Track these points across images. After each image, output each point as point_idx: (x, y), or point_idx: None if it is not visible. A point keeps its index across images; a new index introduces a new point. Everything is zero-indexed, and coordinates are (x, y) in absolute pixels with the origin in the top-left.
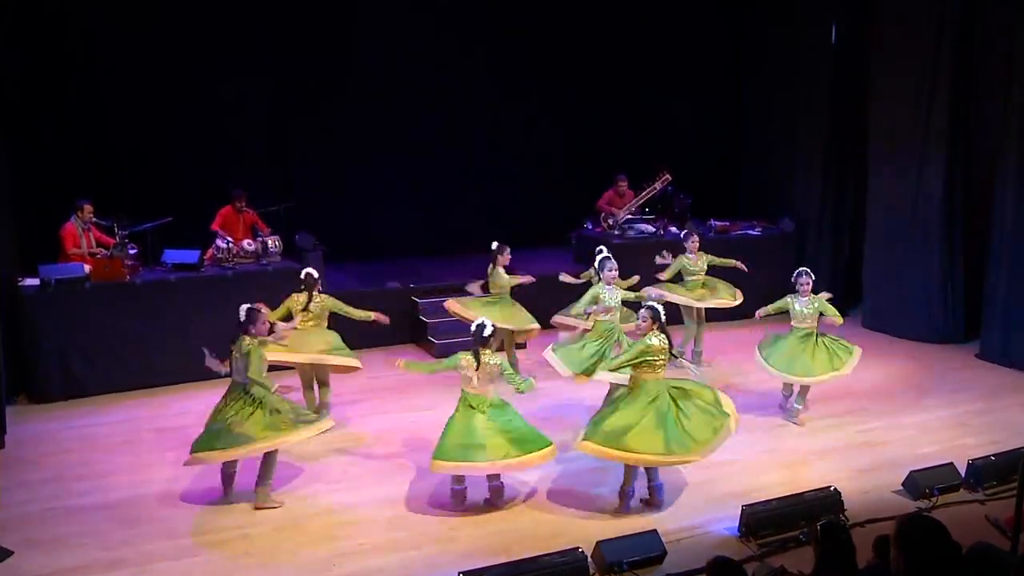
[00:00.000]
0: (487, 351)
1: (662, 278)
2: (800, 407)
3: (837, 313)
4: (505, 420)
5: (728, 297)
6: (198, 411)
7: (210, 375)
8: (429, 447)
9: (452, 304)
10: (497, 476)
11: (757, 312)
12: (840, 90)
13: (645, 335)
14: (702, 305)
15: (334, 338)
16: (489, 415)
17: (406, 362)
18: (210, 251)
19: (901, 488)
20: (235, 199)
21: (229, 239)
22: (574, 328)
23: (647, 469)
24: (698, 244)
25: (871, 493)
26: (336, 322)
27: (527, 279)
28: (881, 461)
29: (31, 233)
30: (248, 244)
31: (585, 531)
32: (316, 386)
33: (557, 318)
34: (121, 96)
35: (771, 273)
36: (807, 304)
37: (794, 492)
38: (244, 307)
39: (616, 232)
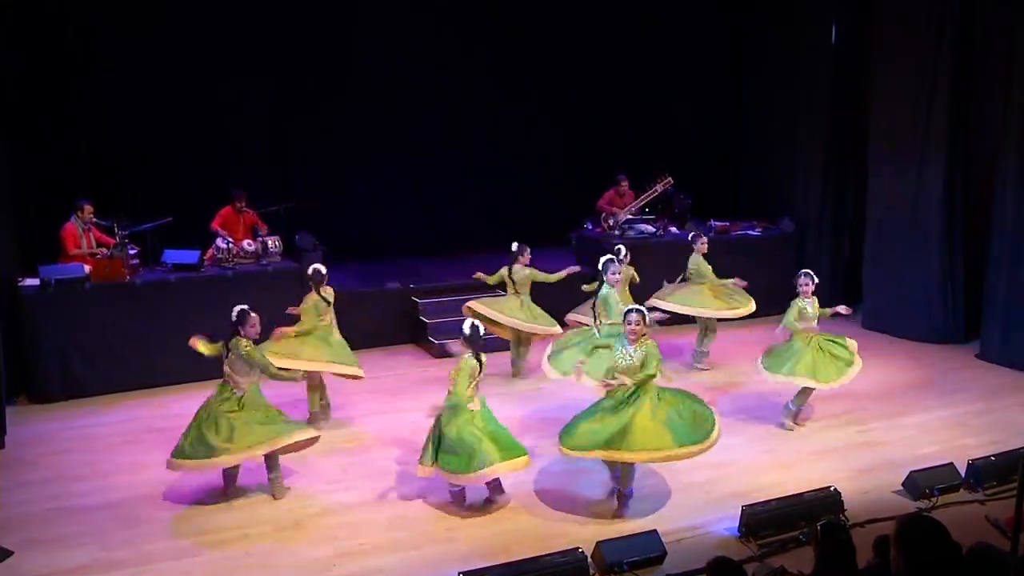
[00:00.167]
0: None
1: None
2: (795, 408)
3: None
4: (495, 423)
5: (740, 305)
6: None
7: (211, 375)
8: None
9: (476, 305)
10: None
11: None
12: (840, 90)
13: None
14: (712, 315)
15: (340, 345)
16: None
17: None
18: (210, 251)
19: (901, 488)
20: (235, 199)
21: (229, 239)
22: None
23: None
24: (707, 246)
25: (871, 493)
26: (340, 324)
27: (572, 270)
28: (881, 461)
29: (31, 233)
30: (248, 244)
31: (585, 531)
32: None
33: (571, 316)
34: (121, 96)
35: (771, 273)
36: (810, 304)
37: (794, 492)
38: (237, 308)
39: (616, 232)
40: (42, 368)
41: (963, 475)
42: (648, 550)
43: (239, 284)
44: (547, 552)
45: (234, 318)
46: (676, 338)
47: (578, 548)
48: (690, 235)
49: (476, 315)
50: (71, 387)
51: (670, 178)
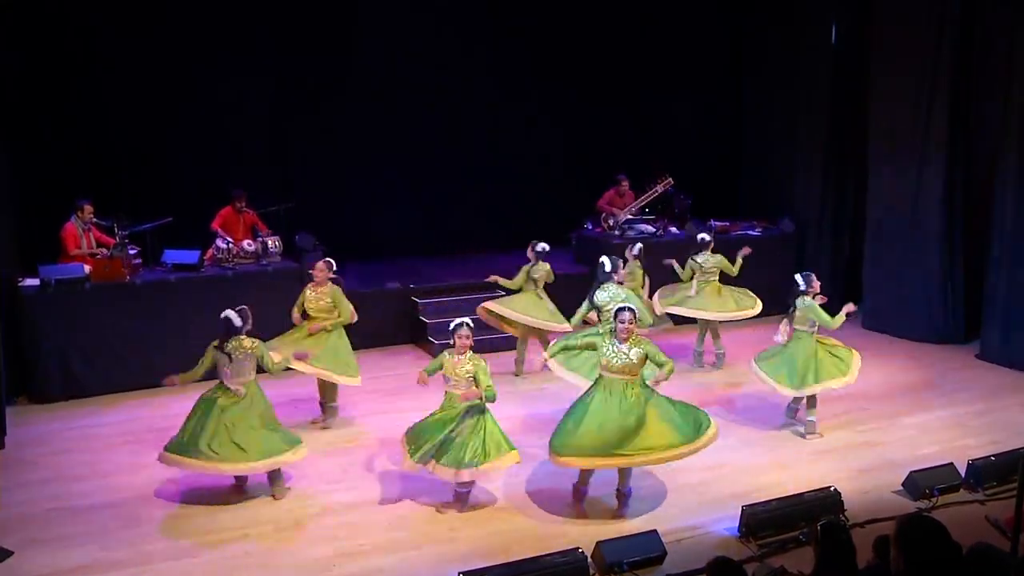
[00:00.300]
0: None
1: (681, 277)
2: (813, 419)
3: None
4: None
5: (746, 307)
6: None
7: (211, 375)
8: None
9: (492, 305)
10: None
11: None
12: (840, 90)
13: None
14: (716, 318)
15: (345, 351)
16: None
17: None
18: (210, 251)
19: (901, 488)
20: (235, 199)
21: (229, 239)
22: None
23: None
24: (712, 245)
25: (871, 493)
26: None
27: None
28: (881, 461)
29: (31, 233)
30: (248, 244)
31: (585, 531)
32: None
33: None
34: (121, 96)
35: (771, 273)
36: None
37: (794, 492)
38: (236, 312)
39: (616, 232)
40: (42, 368)
41: (963, 475)
42: (648, 550)
43: (239, 284)
44: (547, 552)
45: (240, 320)
46: (677, 338)
47: (578, 548)
48: (700, 236)
49: (491, 314)
50: (71, 387)
51: (670, 178)
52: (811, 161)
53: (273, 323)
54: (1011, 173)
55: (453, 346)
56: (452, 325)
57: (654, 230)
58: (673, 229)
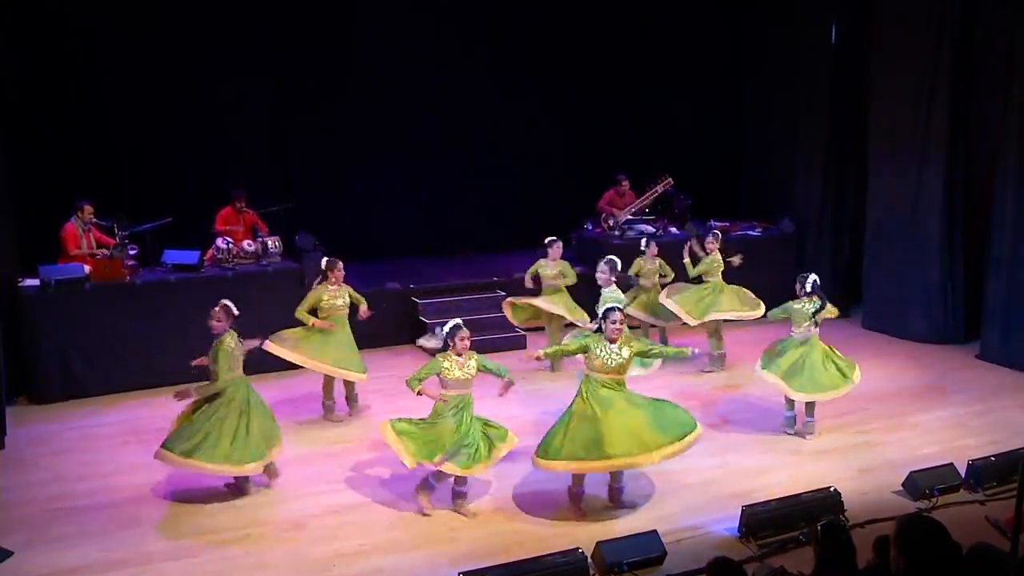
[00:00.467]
0: None
1: (689, 273)
2: (812, 419)
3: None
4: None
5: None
6: None
7: (202, 374)
8: None
9: (515, 299)
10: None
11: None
12: (840, 90)
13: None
14: (714, 318)
15: (349, 347)
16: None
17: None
18: (210, 251)
19: (901, 488)
20: (235, 199)
21: (229, 239)
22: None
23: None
24: (715, 245)
25: (871, 493)
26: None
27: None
28: (881, 461)
29: (31, 233)
30: (248, 244)
31: (585, 531)
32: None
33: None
34: (121, 96)
35: (771, 273)
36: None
37: (794, 492)
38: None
39: (616, 232)
40: (42, 368)
41: (963, 475)
42: (648, 550)
43: (239, 284)
44: (547, 552)
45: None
46: (678, 338)
47: (578, 548)
48: (704, 236)
49: (515, 307)
50: (71, 387)
51: (670, 178)
52: (811, 161)
53: (273, 323)
54: (1011, 173)
55: (445, 349)
56: (447, 328)
57: (654, 230)
58: (673, 229)
